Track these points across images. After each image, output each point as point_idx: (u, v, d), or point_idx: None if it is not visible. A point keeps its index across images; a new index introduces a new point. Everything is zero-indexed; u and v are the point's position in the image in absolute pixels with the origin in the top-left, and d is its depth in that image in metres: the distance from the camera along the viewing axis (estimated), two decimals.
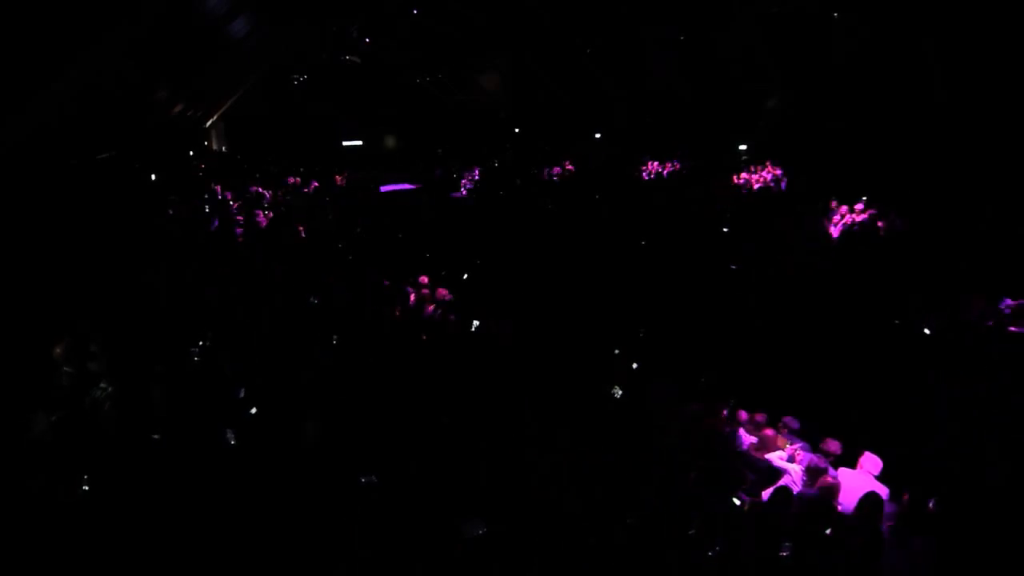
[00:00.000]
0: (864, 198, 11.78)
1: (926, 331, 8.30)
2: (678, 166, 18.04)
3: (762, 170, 14.98)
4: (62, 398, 3.74)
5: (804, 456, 4.58)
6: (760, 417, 5.36)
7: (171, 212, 10.57)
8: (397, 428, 4.43)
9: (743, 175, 15.21)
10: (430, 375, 5.43)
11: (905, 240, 10.60)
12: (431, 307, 6.99)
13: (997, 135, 11.01)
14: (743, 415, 5.44)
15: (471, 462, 3.92)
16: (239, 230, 10.02)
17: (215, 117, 21.14)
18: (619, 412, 5.40)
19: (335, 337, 5.98)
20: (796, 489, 4.26)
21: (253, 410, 4.39)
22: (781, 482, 4.41)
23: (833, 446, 4.74)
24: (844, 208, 11.47)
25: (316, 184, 16.97)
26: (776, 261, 11.19)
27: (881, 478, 4.35)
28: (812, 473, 4.33)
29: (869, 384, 7.57)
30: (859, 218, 11.16)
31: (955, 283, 9.13)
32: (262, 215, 11.09)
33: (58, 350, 3.92)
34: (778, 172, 14.67)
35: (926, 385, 7.46)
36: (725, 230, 13.18)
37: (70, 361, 3.94)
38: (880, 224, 10.92)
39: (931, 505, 3.94)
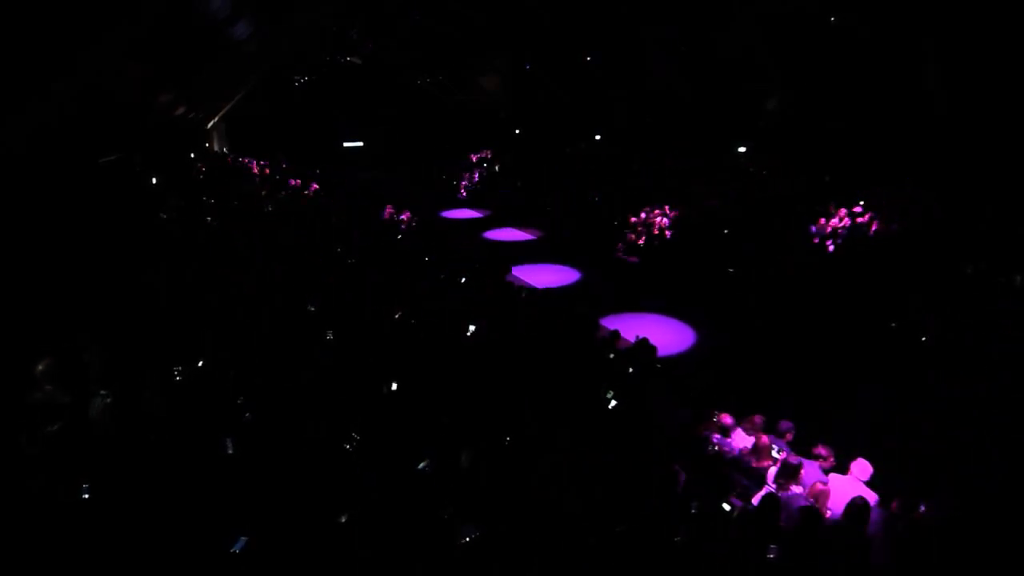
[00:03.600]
0: (862, 202, 11.75)
1: (923, 339, 8.32)
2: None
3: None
4: (53, 412, 3.67)
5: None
6: (758, 419, 5.31)
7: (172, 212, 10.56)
8: (397, 428, 4.43)
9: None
10: (430, 375, 5.43)
11: (900, 241, 10.59)
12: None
13: (997, 135, 11.00)
14: (727, 419, 5.27)
15: (471, 462, 3.91)
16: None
17: (216, 119, 21.13)
18: (618, 413, 5.40)
19: (333, 336, 5.98)
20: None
21: (253, 411, 4.39)
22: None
23: (824, 452, 4.73)
24: (843, 211, 11.45)
25: (316, 187, 16.77)
26: (776, 261, 11.19)
27: (871, 484, 4.36)
28: (786, 469, 4.33)
29: (868, 384, 7.59)
30: (859, 220, 11.18)
31: (955, 284, 9.13)
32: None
33: (40, 367, 3.82)
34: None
35: (926, 385, 7.48)
36: (725, 231, 13.19)
37: (59, 375, 3.86)
38: (875, 227, 10.96)
39: (922, 509, 3.95)
